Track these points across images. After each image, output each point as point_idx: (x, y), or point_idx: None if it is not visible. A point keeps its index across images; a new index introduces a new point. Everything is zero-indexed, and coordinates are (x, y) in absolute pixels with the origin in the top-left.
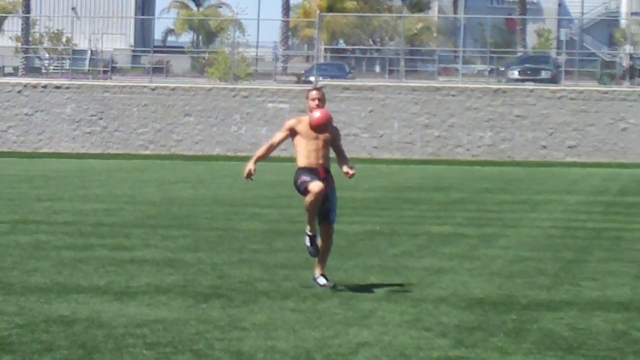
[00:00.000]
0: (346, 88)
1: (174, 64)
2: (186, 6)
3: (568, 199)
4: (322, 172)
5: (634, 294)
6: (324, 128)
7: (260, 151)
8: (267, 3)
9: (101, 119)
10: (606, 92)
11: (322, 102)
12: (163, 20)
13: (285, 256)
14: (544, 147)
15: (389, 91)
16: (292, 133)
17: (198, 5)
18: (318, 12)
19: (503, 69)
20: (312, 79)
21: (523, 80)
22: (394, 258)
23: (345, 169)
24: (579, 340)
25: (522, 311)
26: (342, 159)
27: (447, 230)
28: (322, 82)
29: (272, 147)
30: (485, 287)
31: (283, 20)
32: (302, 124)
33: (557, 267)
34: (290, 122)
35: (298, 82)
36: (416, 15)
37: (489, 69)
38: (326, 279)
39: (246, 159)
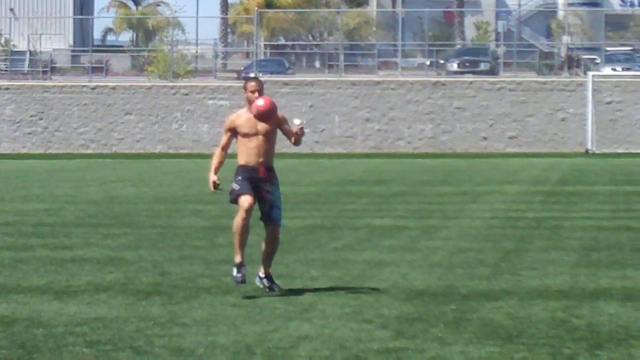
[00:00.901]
0: (286, 83)
1: (114, 63)
2: (125, 5)
3: (508, 190)
4: (262, 170)
5: (574, 282)
6: (270, 115)
7: (215, 160)
8: (205, 1)
9: (42, 119)
10: (545, 83)
11: (261, 92)
12: (102, 20)
13: (226, 252)
14: (485, 138)
15: (329, 86)
16: (233, 131)
17: (137, 4)
18: (257, 8)
19: (442, 61)
20: (251, 75)
21: (462, 73)
22: (335, 251)
23: (294, 129)
24: (518, 328)
25: (462, 301)
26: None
27: (388, 223)
28: (262, 77)
29: (223, 152)
30: (425, 278)
31: (222, 18)
32: (241, 118)
33: (498, 257)
34: (228, 122)
35: (238, 78)
36: (355, 10)
37: (428, 62)
38: (272, 281)
39: (188, 156)
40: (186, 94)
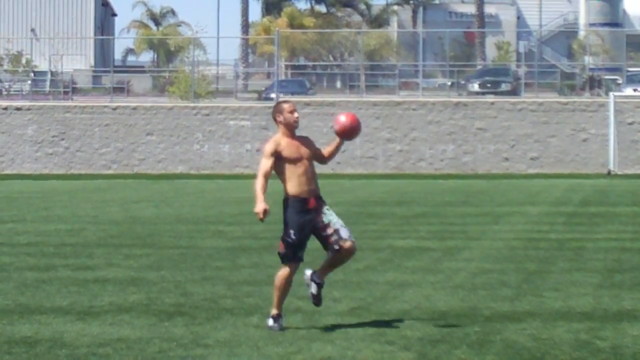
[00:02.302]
0: (307, 104)
1: (135, 84)
2: (146, 26)
3: (530, 211)
4: (312, 202)
5: (597, 304)
6: (356, 132)
7: (260, 187)
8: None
9: (63, 139)
10: (566, 103)
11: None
12: (123, 40)
13: (248, 272)
14: (506, 159)
15: (350, 106)
16: (276, 157)
17: (158, 24)
18: (277, 29)
19: (463, 82)
20: (273, 95)
21: (483, 93)
22: (358, 273)
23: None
24: (542, 350)
25: (485, 323)
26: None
27: (410, 244)
28: (283, 98)
29: (266, 179)
30: (448, 299)
31: (242, 38)
32: (283, 143)
33: (520, 279)
34: (270, 147)
35: (259, 99)
36: (376, 30)
37: (449, 83)
38: (320, 289)
39: (209, 177)
40: (207, 115)
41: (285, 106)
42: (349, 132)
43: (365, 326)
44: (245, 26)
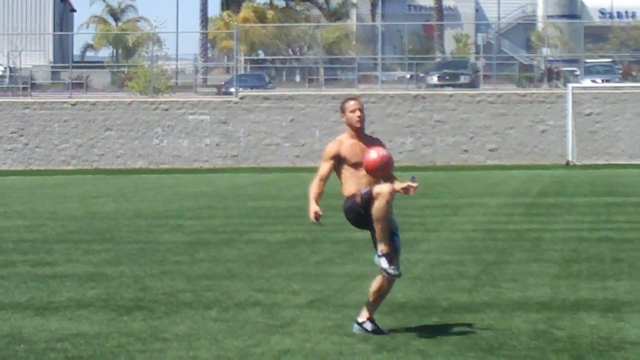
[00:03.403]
0: (266, 98)
1: (94, 79)
2: (105, 21)
3: (489, 202)
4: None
5: (554, 294)
6: (384, 171)
7: (315, 190)
8: (185, 16)
9: (22, 135)
10: (525, 95)
11: (363, 112)
12: (82, 36)
13: (207, 267)
14: (465, 151)
15: (309, 100)
16: (337, 160)
17: (117, 20)
18: (236, 23)
19: (422, 75)
20: (232, 90)
21: (442, 86)
22: (316, 265)
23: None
24: (499, 340)
25: (443, 314)
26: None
27: (368, 236)
28: (242, 92)
29: (323, 182)
30: (407, 291)
31: (202, 33)
32: (345, 145)
33: (478, 270)
34: (331, 150)
35: (218, 93)
36: (334, 24)
37: (408, 76)
38: (374, 323)
39: (168, 171)
40: (166, 110)
41: (348, 105)
42: (375, 171)
43: (324, 318)
44: (205, 21)
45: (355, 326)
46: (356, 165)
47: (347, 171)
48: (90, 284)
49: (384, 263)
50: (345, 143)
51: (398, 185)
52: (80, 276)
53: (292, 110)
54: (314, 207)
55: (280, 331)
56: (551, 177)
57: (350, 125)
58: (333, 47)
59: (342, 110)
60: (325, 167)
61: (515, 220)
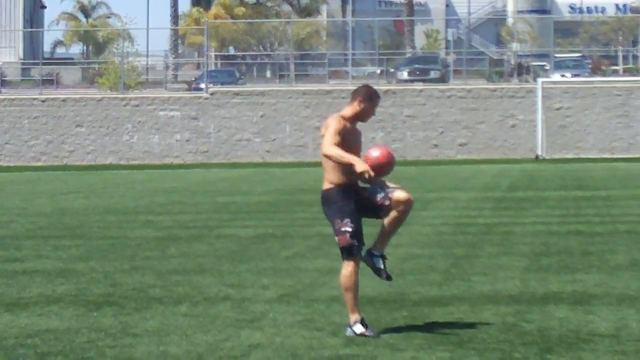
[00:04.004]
0: (237, 94)
1: (64, 76)
2: (75, 18)
3: (459, 196)
4: (355, 185)
5: (524, 287)
6: (386, 171)
7: (344, 152)
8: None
9: None
10: (495, 90)
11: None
12: (52, 33)
13: (177, 262)
14: (435, 145)
15: (279, 95)
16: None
17: (87, 16)
18: (206, 19)
19: (392, 70)
20: (202, 86)
21: (412, 81)
22: (287, 260)
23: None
24: (469, 334)
25: (413, 308)
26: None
27: None
28: (212, 88)
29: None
30: (376, 285)
31: (172, 29)
32: (348, 127)
33: (448, 264)
34: (340, 124)
35: (189, 89)
36: (305, 20)
37: (378, 71)
38: (384, 260)
39: (139, 167)
40: (137, 106)
41: (376, 99)
42: (378, 170)
43: (294, 313)
44: (175, 17)
45: (349, 330)
46: (350, 149)
47: None
48: (60, 279)
49: (357, 329)
50: (346, 125)
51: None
52: (50, 272)
53: (263, 106)
54: (363, 165)
55: (250, 326)
56: (521, 171)
57: (361, 115)
58: (303, 42)
59: (366, 98)
60: (337, 138)
61: (485, 214)
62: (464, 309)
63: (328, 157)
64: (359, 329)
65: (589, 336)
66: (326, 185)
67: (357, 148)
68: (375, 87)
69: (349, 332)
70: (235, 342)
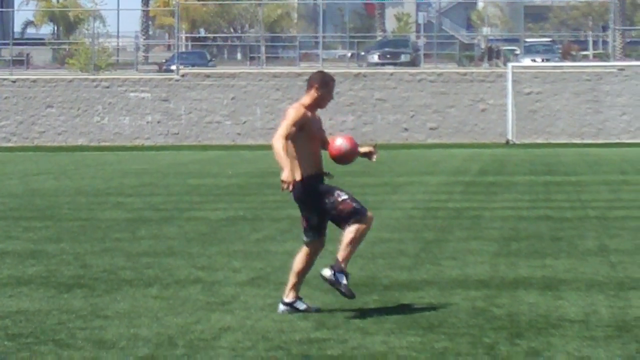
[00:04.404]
0: (208, 76)
1: (35, 56)
2: None
3: (429, 180)
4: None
5: (494, 272)
6: (349, 159)
7: (285, 155)
8: None
9: None
10: (465, 74)
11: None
12: (22, 13)
13: (148, 244)
14: (406, 129)
15: (250, 78)
16: (298, 127)
17: None
18: (177, 0)
19: (363, 53)
20: (173, 67)
21: (383, 64)
22: (257, 243)
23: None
24: (439, 318)
25: (383, 292)
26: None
27: None
28: (183, 70)
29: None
30: (347, 269)
31: (143, 10)
32: (309, 115)
33: (418, 248)
34: (301, 113)
35: (159, 71)
36: (276, 2)
37: (349, 54)
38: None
39: (109, 149)
40: (107, 87)
41: (332, 83)
42: (339, 158)
43: (265, 296)
44: None
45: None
46: (312, 139)
47: (303, 145)
48: (30, 261)
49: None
50: (308, 114)
51: (362, 149)
52: (21, 253)
53: (234, 88)
54: (292, 174)
55: (221, 309)
56: (491, 155)
57: (320, 102)
58: (274, 25)
59: (323, 84)
60: (292, 129)
61: (455, 199)
62: (434, 293)
63: (271, 146)
64: (301, 305)
65: (559, 321)
66: (299, 176)
67: (320, 135)
68: (346, 70)
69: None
70: (206, 325)
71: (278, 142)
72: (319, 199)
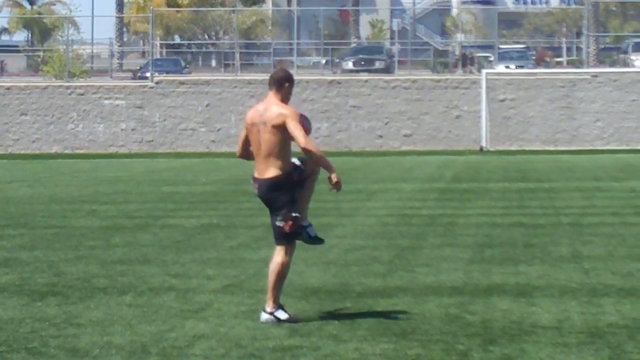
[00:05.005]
0: (182, 83)
1: (9, 63)
2: (20, 5)
3: (403, 187)
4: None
5: (467, 279)
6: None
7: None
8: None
9: None
10: (439, 81)
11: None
12: None
13: (122, 252)
14: (380, 136)
15: (225, 85)
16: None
17: (32, 3)
18: (152, 7)
19: (338, 60)
20: (147, 74)
21: (357, 71)
22: (231, 250)
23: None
24: (412, 325)
25: (357, 299)
26: None
27: None
28: (158, 77)
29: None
30: (320, 276)
31: (117, 17)
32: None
33: (392, 255)
34: (292, 110)
35: (134, 78)
36: (250, 9)
37: (324, 61)
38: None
39: (84, 156)
40: (82, 94)
41: (294, 80)
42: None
43: (238, 303)
44: (120, 4)
45: (265, 315)
46: (290, 138)
47: (287, 143)
48: (3, 269)
49: (281, 315)
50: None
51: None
52: None
53: (208, 95)
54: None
55: (195, 316)
56: (465, 162)
57: (286, 98)
58: (249, 32)
59: (291, 80)
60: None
61: (429, 206)
62: (407, 300)
63: (308, 151)
64: (283, 315)
65: (532, 328)
66: (274, 172)
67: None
68: (320, 77)
69: (266, 318)
70: (180, 333)
71: (314, 146)
72: (281, 199)
